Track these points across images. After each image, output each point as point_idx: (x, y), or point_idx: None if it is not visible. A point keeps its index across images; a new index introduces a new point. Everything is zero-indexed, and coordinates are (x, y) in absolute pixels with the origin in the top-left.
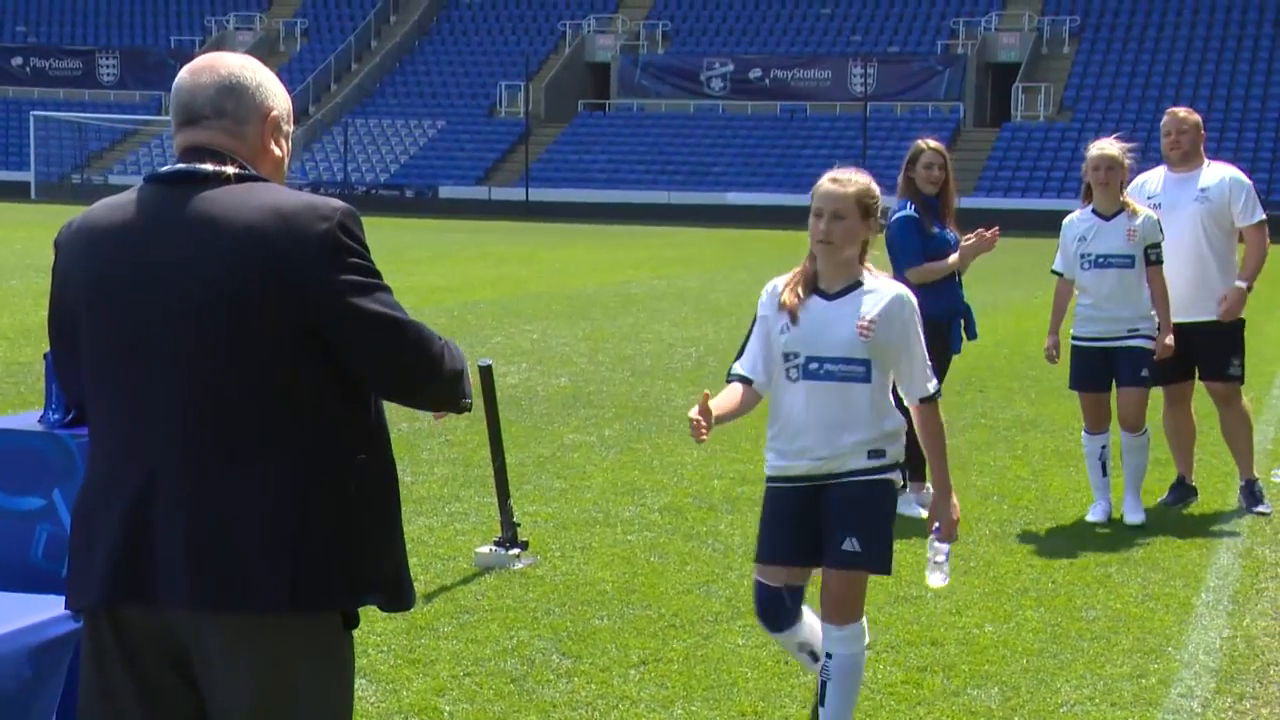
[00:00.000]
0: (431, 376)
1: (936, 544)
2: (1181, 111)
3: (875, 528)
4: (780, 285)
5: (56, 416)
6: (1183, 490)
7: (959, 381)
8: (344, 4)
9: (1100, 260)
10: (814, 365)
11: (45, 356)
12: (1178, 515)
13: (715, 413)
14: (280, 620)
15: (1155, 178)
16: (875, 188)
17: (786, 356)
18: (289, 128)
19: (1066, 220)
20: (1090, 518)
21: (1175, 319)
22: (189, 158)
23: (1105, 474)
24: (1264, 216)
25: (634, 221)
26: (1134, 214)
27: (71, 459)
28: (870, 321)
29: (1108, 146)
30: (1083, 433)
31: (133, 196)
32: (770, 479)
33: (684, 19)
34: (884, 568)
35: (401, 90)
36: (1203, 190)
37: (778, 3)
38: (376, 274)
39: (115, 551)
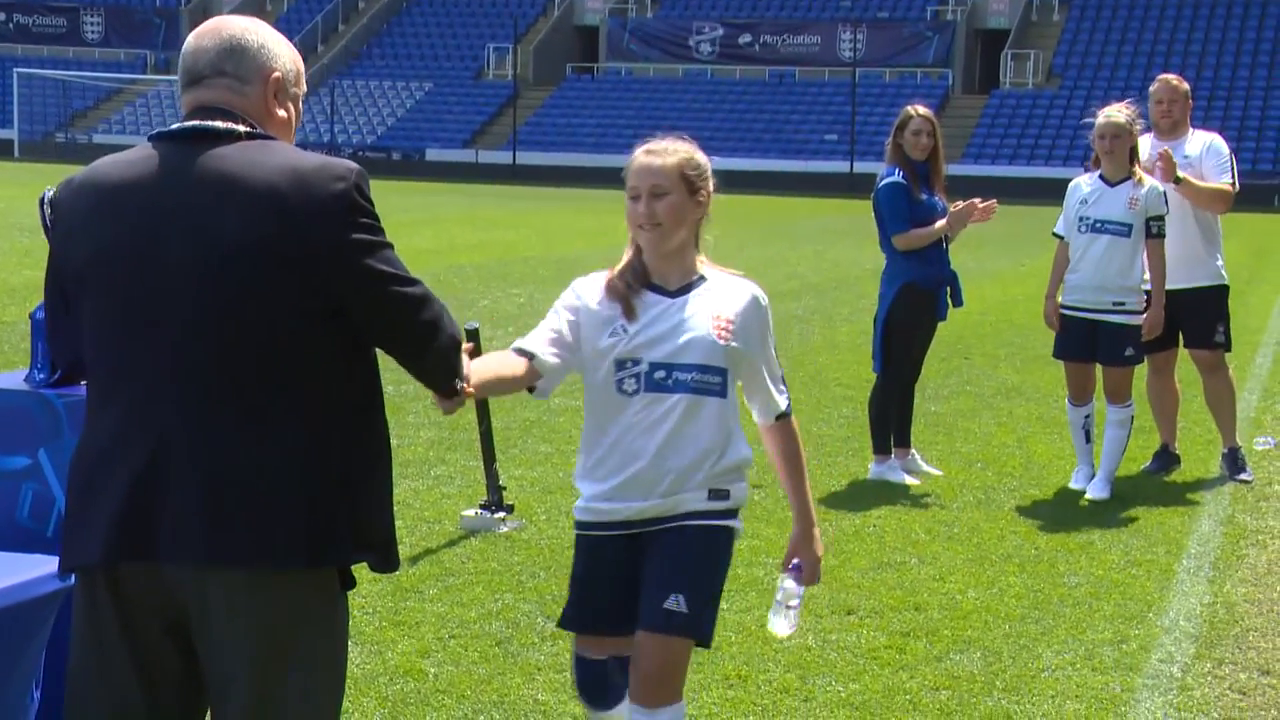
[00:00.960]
0: (432, 336)
1: (789, 585)
2: (1173, 79)
3: (706, 588)
4: (599, 279)
5: (43, 376)
6: (1166, 458)
7: (945, 349)
8: None
9: (1096, 225)
10: (661, 374)
11: (31, 316)
12: (1160, 482)
13: (481, 371)
14: (284, 577)
15: (1142, 145)
16: (701, 158)
17: (621, 364)
18: (298, 89)
19: (1073, 183)
20: (1073, 484)
21: (1168, 288)
22: (199, 115)
23: (1089, 440)
24: (1233, 182)
25: (621, 186)
26: (1139, 183)
27: (58, 419)
28: (728, 322)
29: (1115, 114)
30: (1066, 402)
31: (141, 154)
32: (585, 525)
33: None
34: (705, 639)
35: (389, 52)
36: (1186, 158)
37: None
38: (384, 234)
39: (119, 511)
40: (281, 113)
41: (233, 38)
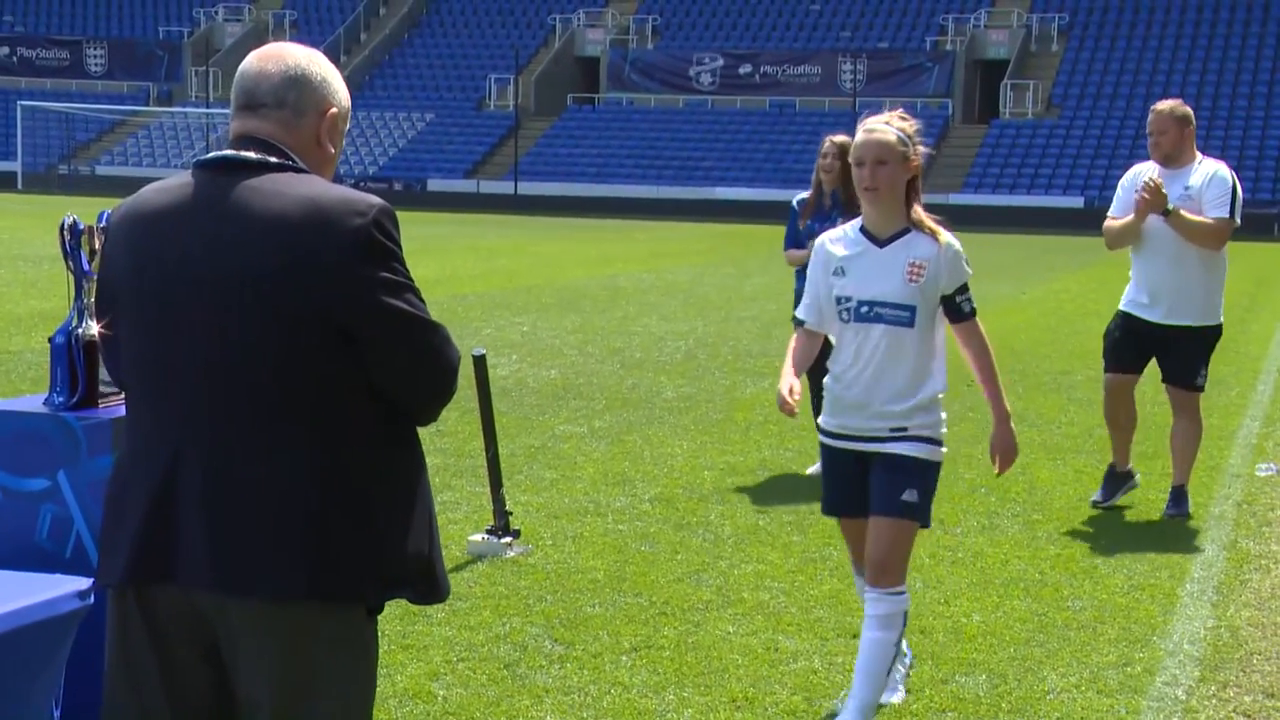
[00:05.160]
0: (449, 382)
1: None
2: (1165, 107)
3: None
4: None
5: (61, 399)
6: (1116, 483)
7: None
8: None
9: (864, 310)
10: None
11: (50, 340)
12: (1162, 509)
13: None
14: (302, 607)
15: (1148, 170)
16: None
17: None
18: (345, 126)
19: (820, 243)
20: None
21: (1154, 319)
22: (237, 145)
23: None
24: (1229, 216)
25: (622, 216)
26: (922, 235)
27: (77, 441)
28: None
29: (878, 128)
30: (853, 570)
31: (178, 181)
32: None
33: (674, 14)
34: None
35: (390, 83)
36: (1187, 189)
37: None
38: (407, 274)
39: (141, 531)
40: (329, 148)
41: (297, 67)
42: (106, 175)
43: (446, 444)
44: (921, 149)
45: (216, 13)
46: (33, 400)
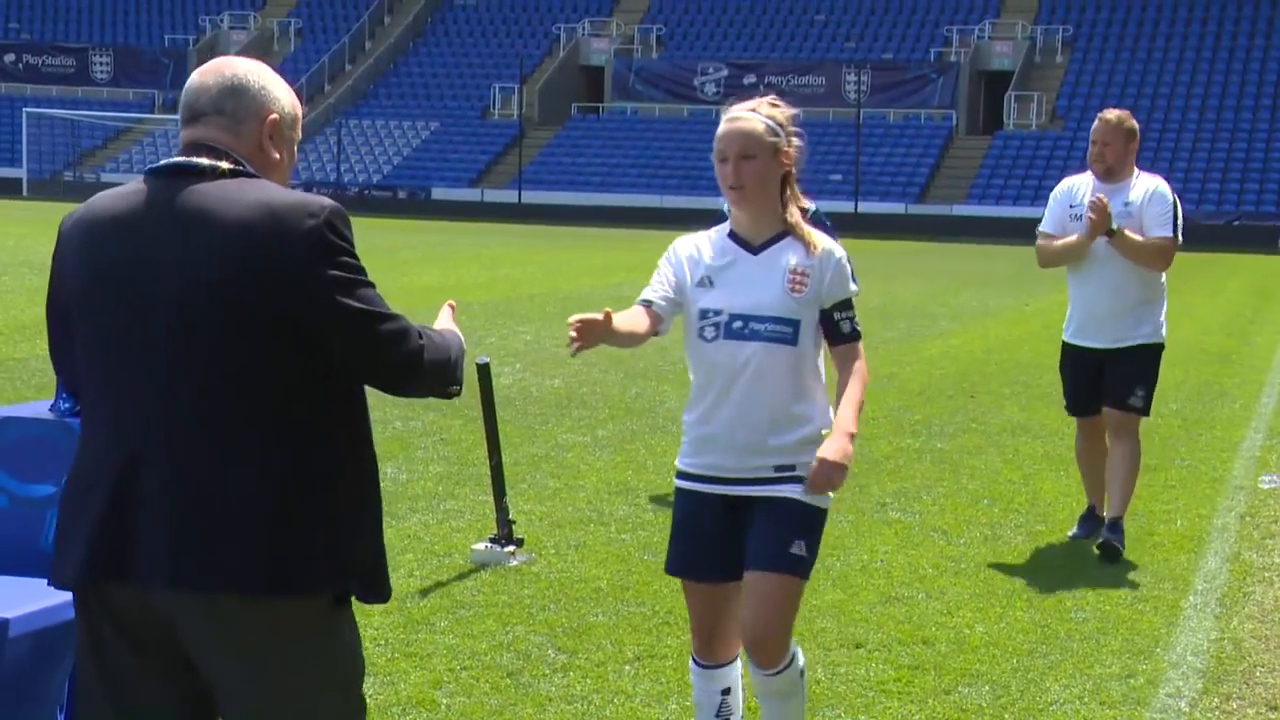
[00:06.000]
0: (412, 371)
1: None
2: (1113, 117)
3: None
4: None
5: (67, 405)
6: (1093, 522)
7: (951, 387)
8: (338, 4)
9: (737, 326)
10: None
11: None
12: (1165, 521)
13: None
14: (263, 602)
15: (1083, 184)
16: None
17: None
18: (293, 133)
19: (679, 241)
20: None
21: (1092, 344)
22: (187, 152)
23: None
24: (1174, 236)
25: (626, 225)
26: (797, 244)
27: None
28: None
29: (742, 116)
30: (691, 660)
31: (131, 188)
32: None
33: (678, 23)
34: None
35: (395, 91)
36: (1127, 205)
37: (772, 9)
38: (361, 271)
39: (96, 530)
40: (275, 154)
41: (235, 77)
42: (111, 182)
43: (450, 452)
44: (796, 141)
45: (222, 20)
46: (38, 407)
